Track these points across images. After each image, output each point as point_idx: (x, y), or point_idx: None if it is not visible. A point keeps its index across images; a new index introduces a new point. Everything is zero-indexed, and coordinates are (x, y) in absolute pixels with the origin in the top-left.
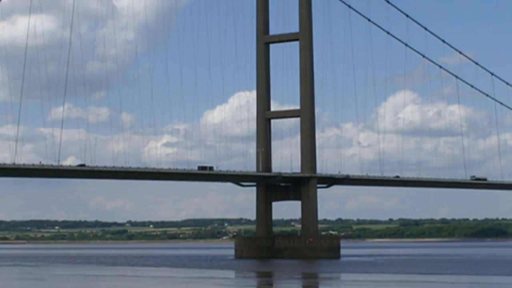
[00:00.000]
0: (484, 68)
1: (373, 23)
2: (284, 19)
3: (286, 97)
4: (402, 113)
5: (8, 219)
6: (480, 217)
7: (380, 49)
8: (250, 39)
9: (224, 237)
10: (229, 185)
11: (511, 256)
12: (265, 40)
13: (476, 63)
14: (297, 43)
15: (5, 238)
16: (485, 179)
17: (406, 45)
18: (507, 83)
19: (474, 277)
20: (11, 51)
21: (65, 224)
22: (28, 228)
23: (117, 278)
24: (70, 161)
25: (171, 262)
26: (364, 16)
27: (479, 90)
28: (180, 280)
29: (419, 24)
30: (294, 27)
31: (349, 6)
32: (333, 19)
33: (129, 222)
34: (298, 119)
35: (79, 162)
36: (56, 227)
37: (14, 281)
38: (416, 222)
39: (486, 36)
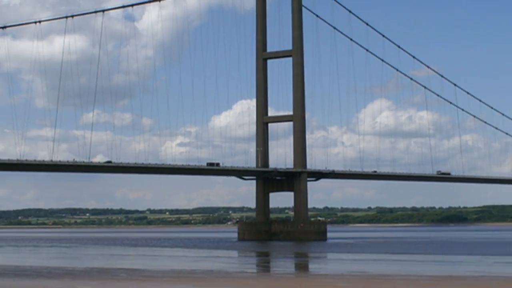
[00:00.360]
0: (448, 80)
1: (355, 42)
2: (279, 38)
3: (281, 104)
4: (379, 118)
5: (46, 207)
6: (445, 205)
7: (360, 64)
8: (250, 55)
9: (229, 223)
10: (233, 178)
11: (470, 239)
12: (263, 56)
13: (441, 76)
14: (290, 58)
15: (44, 224)
16: (449, 174)
17: (383, 60)
18: (468, 93)
19: (439, 256)
20: (49, 65)
21: (95, 212)
22: (63, 215)
23: (138, 257)
24: (98, 159)
25: (184, 243)
26: (347, 36)
27: (444, 99)
28: (192, 259)
29: (393, 42)
30: (288, 46)
31: (334, 28)
32: (321, 39)
33: (149, 209)
34: (291, 123)
35: (106, 159)
36: (87, 214)
37: (52, 260)
38: (391, 210)
39: (450, 52)
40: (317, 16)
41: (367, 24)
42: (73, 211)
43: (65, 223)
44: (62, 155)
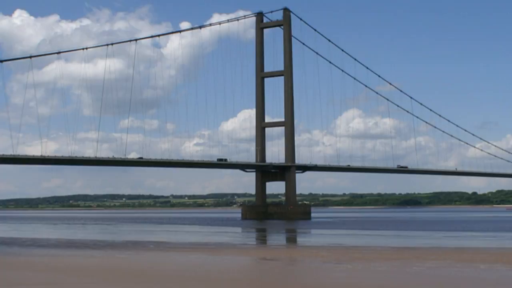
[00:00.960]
0: (405, 93)
1: (332, 64)
2: (273, 61)
3: (275, 113)
4: (351, 124)
5: (92, 193)
6: (403, 192)
7: (337, 81)
8: (251, 74)
9: (234, 205)
10: (237, 171)
11: (423, 218)
12: (261, 75)
13: (400, 90)
14: (282, 77)
15: (90, 206)
16: (406, 167)
17: (354, 78)
18: (421, 104)
19: (399, 231)
20: (94, 83)
21: (129, 197)
22: (105, 199)
23: (163, 232)
24: (132, 155)
25: (199, 221)
26: (326, 59)
27: (402, 108)
28: (205, 234)
29: (362, 64)
30: (280, 67)
31: (317, 53)
32: (306, 62)
33: (171, 195)
34: (283, 127)
35: (138, 156)
36: (123, 199)
37: (96, 234)
38: (361, 195)
39: (407, 72)
40: (303, 44)
41: (342, 50)
42: (113, 196)
43: (106, 205)
44: (104, 153)
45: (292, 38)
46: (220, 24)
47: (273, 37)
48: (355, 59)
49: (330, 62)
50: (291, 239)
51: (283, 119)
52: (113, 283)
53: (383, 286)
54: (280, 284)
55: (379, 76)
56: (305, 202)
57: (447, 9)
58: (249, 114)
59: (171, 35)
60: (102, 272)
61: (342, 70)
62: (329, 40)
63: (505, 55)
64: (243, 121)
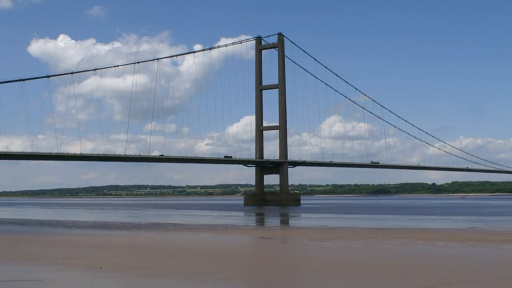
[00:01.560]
0: (377, 103)
1: (318, 79)
2: (270, 77)
3: (271, 118)
4: (333, 127)
5: (121, 184)
6: (375, 183)
7: (321, 92)
8: (251, 87)
9: (238, 194)
10: (240, 166)
11: (392, 204)
12: (260, 88)
13: (373, 100)
14: (277, 89)
15: (120, 195)
16: (378, 163)
17: (336, 90)
18: (390, 111)
19: (372, 215)
20: (123, 94)
21: (152, 187)
22: (132, 189)
23: (180, 216)
24: (155, 153)
25: (209, 207)
26: (312, 75)
27: (375, 115)
28: (214, 217)
29: (342, 79)
30: (275, 81)
31: (305, 70)
32: (296, 77)
33: (187, 185)
34: (277, 130)
35: (160, 154)
36: (147, 189)
37: (125, 217)
38: (341, 186)
39: (379, 85)
40: (294, 62)
41: (326, 67)
42: (138, 187)
43: (133, 194)
44: (131, 151)
45: (285, 57)
46: (226, 46)
47: (270, 57)
48: (336, 75)
49: (316, 77)
50: (284, 222)
51: (277, 124)
52: (139, 257)
53: (359, 259)
54: (275, 258)
55: (356, 88)
56: (295, 191)
57: (410, 35)
58: (249, 120)
59: (186, 55)
60: (130, 248)
61: (326, 84)
62: (315, 59)
63: (459, 72)
64: (245, 125)
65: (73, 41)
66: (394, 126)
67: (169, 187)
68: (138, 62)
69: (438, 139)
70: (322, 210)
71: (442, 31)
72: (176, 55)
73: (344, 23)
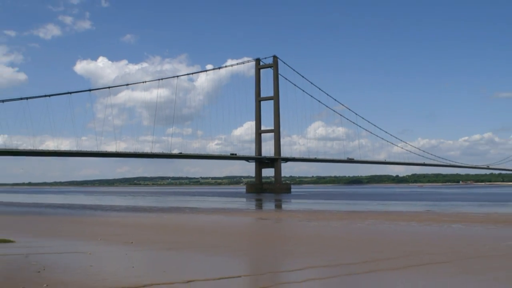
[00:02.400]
0: (352, 111)
1: (305, 92)
2: (266, 90)
3: (267, 124)
4: (318, 131)
5: (148, 176)
6: (351, 175)
7: (308, 103)
8: (252, 99)
9: (241, 184)
10: (243, 161)
11: (364, 192)
12: (258, 99)
13: (349, 109)
14: (272, 100)
15: (147, 185)
16: (353, 159)
17: (319, 101)
18: (362, 118)
19: (348, 201)
20: (150, 104)
21: (173, 178)
22: (157, 180)
23: (194, 201)
24: (175, 151)
25: (218, 194)
26: (300, 88)
27: (350, 120)
28: (222, 202)
29: (324, 92)
30: (271, 94)
31: (295, 85)
32: (288, 90)
33: (200, 177)
34: (272, 133)
35: (179, 152)
36: (169, 179)
37: (151, 202)
38: (323, 177)
39: (354, 96)
40: (285, 78)
41: (311, 82)
42: (162, 178)
43: (158, 184)
44: (156, 150)
45: (279, 75)
46: (232, 66)
47: (266, 74)
48: (319, 88)
49: (303, 90)
50: (278, 206)
51: (272, 128)
52: (162, 234)
53: (337, 236)
54: (270, 235)
55: (335, 99)
56: (287, 181)
57: (379, 56)
58: (250, 125)
59: (200, 73)
60: (155, 227)
61: (311, 96)
62: (302, 76)
63: (417, 86)
64: (246, 129)
65: (110, 62)
66: (366, 130)
67: (186, 178)
68: (162, 79)
69: (401, 140)
70: (308, 197)
71: (403, 54)
72: (192, 73)
73: (326, 47)
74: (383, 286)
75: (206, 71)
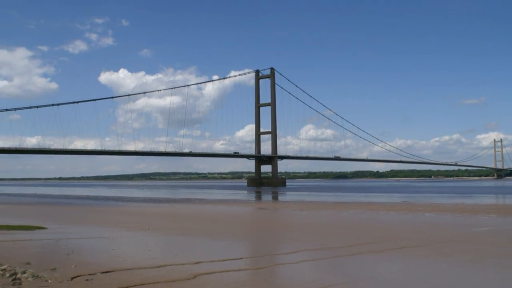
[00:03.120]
0: (339, 115)
1: (298, 99)
2: (265, 98)
3: (266, 126)
4: (309, 132)
5: (163, 171)
6: (338, 170)
7: (300, 108)
8: (252, 105)
9: (243, 178)
10: (245, 159)
11: (349, 186)
12: (258, 105)
13: (336, 114)
14: (269, 106)
15: (161, 179)
16: (339, 157)
17: (310, 107)
18: (347, 121)
19: (335, 193)
20: (164, 109)
21: (184, 173)
22: (170, 175)
23: (202, 193)
24: (186, 150)
25: (223, 187)
26: (294, 96)
27: (338, 124)
28: (226, 194)
29: (314, 99)
30: (268, 100)
31: (289, 93)
32: (283, 97)
33: (208, 172)
34: (270, 135)
35: (189, 150)
36: (180, 175)
37: (165, 194)
38: (314, 173)
39: (341, 102)
40: (281, 87)
41: (303, 91)
42: (174, 173)
43: (171, 178)
44: (170, 149)
45: (275, 84)
46: (235, 76)
47: (265, 84)
48: (310, 96)
49: (296, 98)
50: (275, 197)
51: (270, 130)
52: (175, 222)
53: (325, 223)
54: (268, 222)
55: (324, 105)
56: (282, 176)
57: (363, 68)
58: (251, 127)
59: (207, 83)
60: (168, 215)
61: (303, 102)
62: (296, 85)
63: (395, 93)
64: (248, 131)
65: (129, 73)
66: (350, 131)
67: (195, 173)
68: (174, 88)
69: (381, 140)
70: (301, 190)
71: (383, 66)
72: (200, 83)
73: (316, 60)
74: (365, 267)
75: (212, 81)
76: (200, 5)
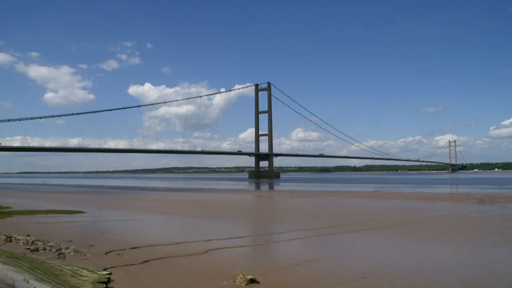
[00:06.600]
0: (324, 121)
1: (290, 107)
2: (263, 106)
3: (264, 129)
4: (298, 134)
5: (180, 166)
6: (322, 165)
7: (292, 115)
8: (252, 112)
9: (245, 172)
10: (247, 156)
11: (331, 178)
12: (257, 113)
13: (321, 119)
14: (267, 114)
15: (179, 172)
16: (323, 154)
17: (300, 114)
18: (330, 125)
19: (319, 183)
20: (181, 116)
21: (197, 168)
22: (186, 169)
23: (212, 184)
24: (198, 149)
25: (229, 179)
26: (286, 105)
27: (323, 128)
28: (231, 185)
29: (303, 107)
30: (266, 108)
31: (282, 102)
32: (278, 106)
33: (216, 167)
34: (267, 136)
35: (201, 149)
36: (194, 169)
37: (182, 185)
38: (303, 167)
39: (325, 109)
40: (276, 98)
41: (294, 101)
42: (189, 168)
43: (186, 172)
44: (186, 148)
45: (272, 95)
46: (238, 89)
47: (263, 95)
48: (299, 105)
49: (288, 106)
50: (271, 187)
51: (267, 132)
52: (190, 207)
53: (312, 208)
54: (266, 207)
55: (311, 112)
56: (277, 170)
57: (341, 83)
58: (252, 130)
59: (216, 94)
60: (185, 201)
61: (294, 110)
62: (288, 96)
63: (368, 103)
64: (249, 133)
65: (153, 86)
66: (332, 134)
67: (206, 168)
68: (189, 98)
69: (357, 141)
70: (292, 181)
71: (360, 80)
72: (210, 94)
73: (305, 76)
74: (344, 243)
75: (220, 93)
76: (210, 31)
